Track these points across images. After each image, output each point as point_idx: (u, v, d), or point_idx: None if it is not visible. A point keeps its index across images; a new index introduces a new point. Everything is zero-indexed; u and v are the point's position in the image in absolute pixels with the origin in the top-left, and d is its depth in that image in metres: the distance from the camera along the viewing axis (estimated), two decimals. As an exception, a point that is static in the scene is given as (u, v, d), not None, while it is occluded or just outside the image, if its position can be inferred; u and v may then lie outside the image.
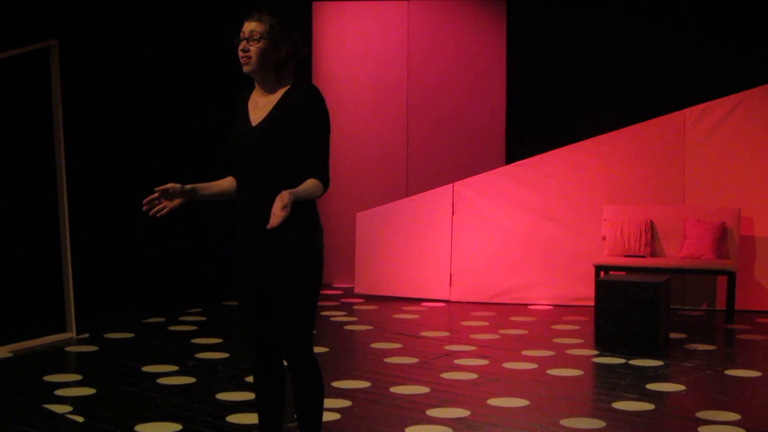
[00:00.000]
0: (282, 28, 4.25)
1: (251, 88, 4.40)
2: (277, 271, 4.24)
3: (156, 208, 4.34)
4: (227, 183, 4.52)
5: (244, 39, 4.23)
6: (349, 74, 11.65)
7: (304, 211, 4.23)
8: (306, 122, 4.20)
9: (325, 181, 4.20)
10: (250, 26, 4.23)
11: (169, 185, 4.36)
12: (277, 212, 3.95)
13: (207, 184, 4.50)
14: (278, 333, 4.32)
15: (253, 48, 4.21)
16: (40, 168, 8.14)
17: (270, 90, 4.30)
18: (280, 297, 4.26)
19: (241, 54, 4.24)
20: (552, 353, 7.85)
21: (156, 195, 4.32)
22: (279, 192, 4.04)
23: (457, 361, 7.52)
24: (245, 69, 4.25)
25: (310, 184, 4.15)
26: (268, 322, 4.37)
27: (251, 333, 4.41)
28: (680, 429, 5.77)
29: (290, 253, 4.22)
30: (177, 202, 4.37)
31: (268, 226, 3.94)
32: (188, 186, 4.41)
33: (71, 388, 6.54)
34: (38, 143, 8.12)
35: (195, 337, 8.34)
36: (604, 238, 9.89)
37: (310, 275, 4.28)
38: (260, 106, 4.30)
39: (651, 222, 9.83)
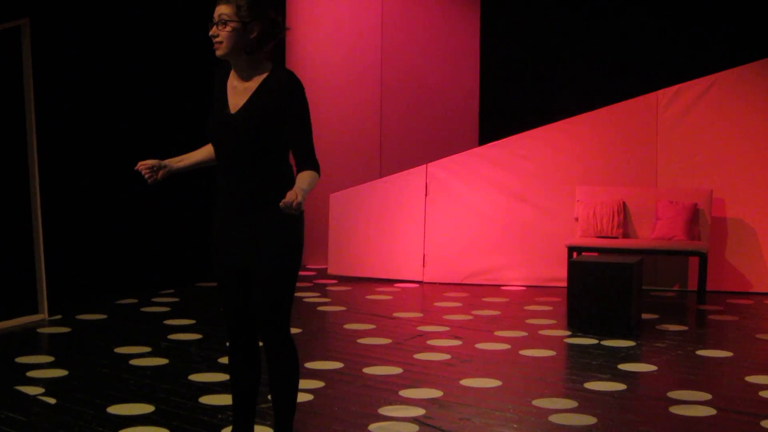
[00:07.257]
0: (251, 9, 4.17)
1: (230, 66, 4.35)
2: (259, 251, 4.24)
3: (147, 173, 4.40)
4: (207, 151, 4.53)
5: (214, 24, 4.19)
6: (323, 55, 11.60)
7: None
8: (288, 112, 4.18)
9: (318, 169, 4.22)
10: (219, 9, 4.19)
11: (147, 162, 4.38)
12: (293, 202, 3.93)
13: (186, 155, 4.55)
14: (257, 313, 4.32)
15: (222, 32, 4.16)
16: (12, 148, 8.07)
17: (246, 76, 4.25)
18: (261, 277, 4.26)
19: (213, 39, 4.20)
20: (525, 334, 7.87)
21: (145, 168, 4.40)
22: (258, 176, 4.17)
23: (430, 342, 7.54)
24: (217, 53, 4.21)
25: (309, 177, 4.15)
26: (246, 303, 4.38)
27: (229, 313, 4.42)
28: (652, 409, 5.80)
29: (273, 233, 4.23)
30: (159, 176, 4.42)
31: (280, 203, 3.92)
32: (166, 161, 4.43)
33: (43, 369, 6.51)
34: (9, 124, 8.04)
35: (168, 318, 8.32)
36: (576, 219, 9.92)
37: (291, 256, 4.29)
38: (238, 91, 4.26)
39: (624, 203, 9.87)
